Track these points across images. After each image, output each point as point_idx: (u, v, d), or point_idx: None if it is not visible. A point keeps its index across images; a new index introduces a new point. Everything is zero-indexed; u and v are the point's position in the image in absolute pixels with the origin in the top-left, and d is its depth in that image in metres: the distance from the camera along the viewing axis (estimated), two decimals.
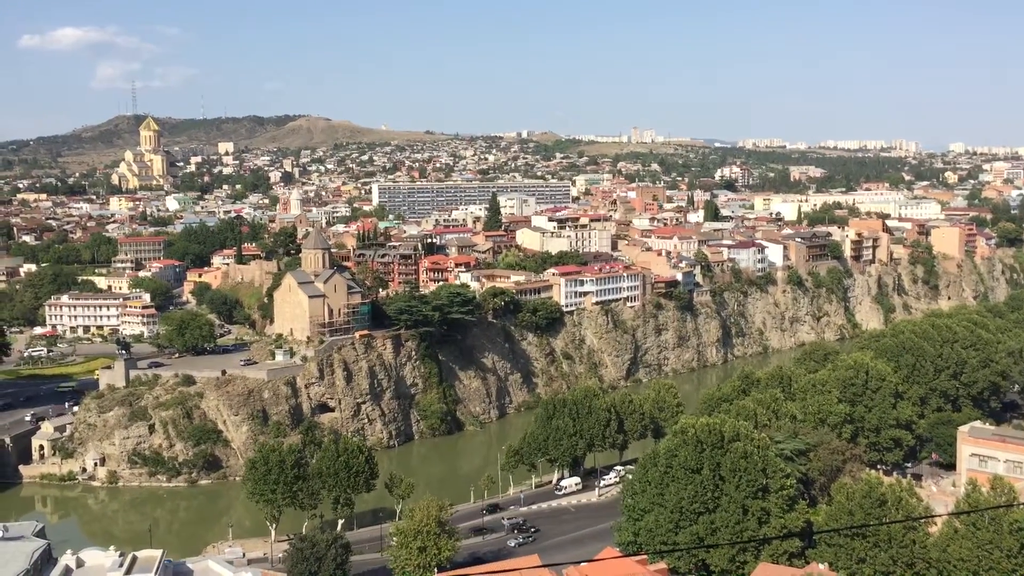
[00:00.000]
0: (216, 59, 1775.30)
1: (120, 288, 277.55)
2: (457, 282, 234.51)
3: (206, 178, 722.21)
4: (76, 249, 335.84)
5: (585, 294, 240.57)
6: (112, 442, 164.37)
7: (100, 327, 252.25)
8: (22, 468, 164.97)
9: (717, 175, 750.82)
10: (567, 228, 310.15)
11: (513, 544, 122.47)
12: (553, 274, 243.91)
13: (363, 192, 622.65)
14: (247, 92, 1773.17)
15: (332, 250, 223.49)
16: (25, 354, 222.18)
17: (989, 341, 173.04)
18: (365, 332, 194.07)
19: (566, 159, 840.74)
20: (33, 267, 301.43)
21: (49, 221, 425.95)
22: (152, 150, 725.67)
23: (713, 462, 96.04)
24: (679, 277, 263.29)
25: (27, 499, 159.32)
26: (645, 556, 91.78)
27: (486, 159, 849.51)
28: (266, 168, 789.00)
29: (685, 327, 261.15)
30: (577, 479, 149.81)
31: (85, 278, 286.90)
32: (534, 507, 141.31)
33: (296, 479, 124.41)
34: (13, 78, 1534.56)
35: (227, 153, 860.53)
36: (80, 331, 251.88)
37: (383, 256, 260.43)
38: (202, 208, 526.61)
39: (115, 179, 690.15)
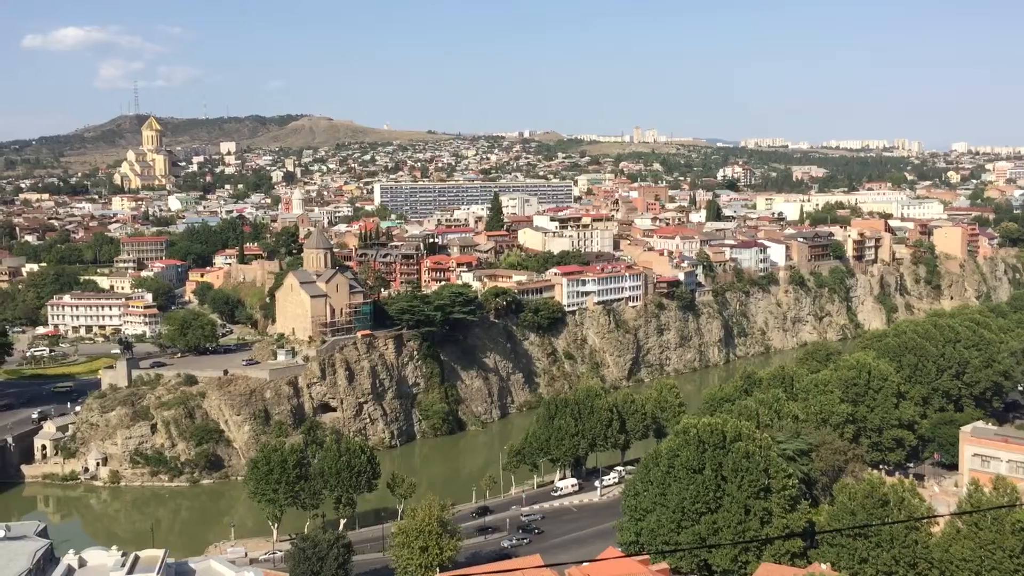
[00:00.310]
0: (218, 59, 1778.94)
1: (122, 288, 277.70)
2: (459, 282, 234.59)
3: (208, 178, 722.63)
4: (78, 249, 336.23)
5: (587, 294, 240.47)
6: (114, 442, 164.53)
7: (102, 327, 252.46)
8: (24, 468, 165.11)
9: (719, 175, 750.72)
10: (569, 228, 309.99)
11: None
12: (555, 274, 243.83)
13: (365, 192, 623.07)
14: (249, 92, 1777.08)
15: (334, 250, 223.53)
16: (27, 354, 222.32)
17: (991, 341, 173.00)
18: (367, 332, 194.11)
19: (568, 159, 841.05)
20: (35, 267, 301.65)
21: (51, 221, 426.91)
22: (154, 150, 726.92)
23: (715, 462, 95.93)
24: (681, 277, 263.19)
25: (29, 499, 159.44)
26: (647, 556, 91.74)
27: (488, 159, 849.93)
28: (268, 168, 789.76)
29: (687, 327, 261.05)
30: (574, 480, 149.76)
31: (87, 278, 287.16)
32: (536, 506, 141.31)
33: (298, 479, 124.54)
34: (16, 78, 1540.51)
35: (229, 153, 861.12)
36: (82, 331, 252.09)
37: (385, 256, 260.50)
38: (204, 208, 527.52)
39: (117, 179, 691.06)
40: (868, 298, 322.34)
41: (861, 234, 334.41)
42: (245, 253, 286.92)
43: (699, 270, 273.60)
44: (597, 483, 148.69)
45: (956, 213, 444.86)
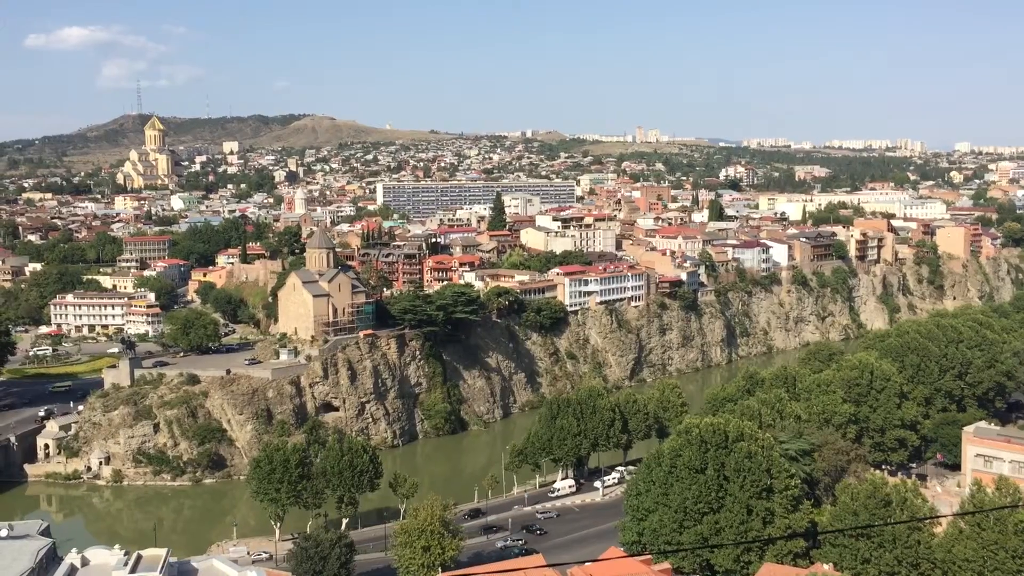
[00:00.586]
0: (221, 59, 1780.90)
1: (125, 287, 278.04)
2: (461, 282, 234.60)
3: (211, 177, 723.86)
4: (81, 248, 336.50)
5: (589, 294, 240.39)
6: (117, 441, 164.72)
7: (105, 326, 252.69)
8: (27, 467, 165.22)
9: (722, 175, 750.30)
10: (571, 228, 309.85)
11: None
12: (557, 274, 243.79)
13: (367, 191, 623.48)
14: (252, 91, 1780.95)
15: (336, 249, 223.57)
16: (30, 353, 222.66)
17: (994, 341, 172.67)
18: (369, 331, 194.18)
19: (570, 159, 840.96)
20: (38, 266, 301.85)
21: (54, 220, 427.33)
22: (157, 149, 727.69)
23: (717, 462, 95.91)
24: (683, 277, 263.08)
25: (32, 498, 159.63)
26: (649, 556, 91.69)
27: (490, 159, 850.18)
28: (271, 167, 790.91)
29: (689, 327, 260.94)
30: (571, 481, 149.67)
31: (90, 277, 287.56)
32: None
33: (300, 478, 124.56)
34: (19, 77, 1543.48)
35: (232, 152, 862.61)
36: (85, 330, 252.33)
37: (387, 255, 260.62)
38: (207, 207, 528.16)
39: (120, 178, 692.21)
40: (871, 298, 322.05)
41: (864, 234, 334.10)
42: (247, 253, 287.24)
43: (701, 270, 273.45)
44: (597, 483, 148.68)
45: (959, 213, 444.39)
